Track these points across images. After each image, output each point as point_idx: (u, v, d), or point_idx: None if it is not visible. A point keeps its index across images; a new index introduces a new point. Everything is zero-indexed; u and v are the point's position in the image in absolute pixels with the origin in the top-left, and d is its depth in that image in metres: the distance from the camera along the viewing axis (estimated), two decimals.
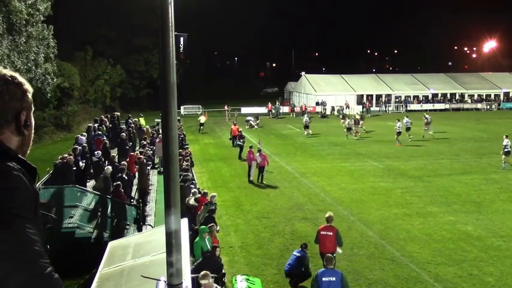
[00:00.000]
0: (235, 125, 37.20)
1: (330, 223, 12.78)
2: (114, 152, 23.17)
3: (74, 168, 17.49)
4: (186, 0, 42.71)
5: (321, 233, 12.67)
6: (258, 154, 24.21)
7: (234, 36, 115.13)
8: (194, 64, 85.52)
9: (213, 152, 33.78)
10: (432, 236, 16.06)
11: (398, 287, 12.48)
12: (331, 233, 12.53)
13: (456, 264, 13.68)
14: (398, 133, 34.33)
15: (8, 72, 1.95)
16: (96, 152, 20.71)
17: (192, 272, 9.94)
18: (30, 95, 1.99)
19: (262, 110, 56.81)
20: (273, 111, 54.92)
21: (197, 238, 12.51)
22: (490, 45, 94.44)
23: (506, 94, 65.60)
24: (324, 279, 9.98)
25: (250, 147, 25.73)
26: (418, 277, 12.95)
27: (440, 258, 14.16)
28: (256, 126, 45.04)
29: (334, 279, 9.96)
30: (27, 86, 1.98)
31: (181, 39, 68.71)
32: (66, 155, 17.46)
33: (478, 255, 14.39)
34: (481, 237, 15.83)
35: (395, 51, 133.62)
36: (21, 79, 1.97)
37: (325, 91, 61.42)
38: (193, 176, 21.49)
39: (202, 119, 45.27)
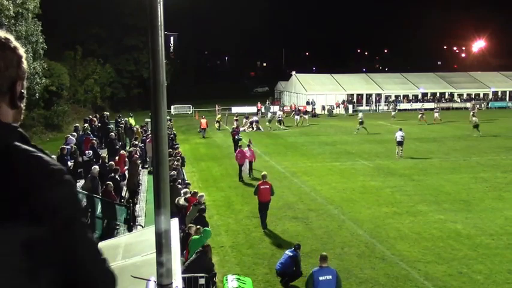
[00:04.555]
0: (203, 118, 42.22)
1: (266, 179, 17.37)
2: (104, 152, 23.08)
3: None
4: (176, 0, 42.58)
5: (261, 187, 17.07)
6: (247, 148, 25.37)
7: (224, 35, 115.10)
8: (185, 63, 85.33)
9: (203, 151, 33.73)
10: (422, 234, 16.15)
11: (388, 285, 12.53)
12: (268, 186, 17.05)
13: (446, 263, 13.76)
14: (399, 143, 29.13)
15: (1, 33, 1.67)
16: (87, 152, 20.63)
17: (184, 271, 9.92)
18: (25, 62, 1.74)
19: (253, 109, 56.77)
20: (263, 110, 54.86)
21: (197, 236, 12.45)
22: (478, 45, 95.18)
23: (495, 93, 66.07)
24: (321, 278, 10.19)
25: (240, 146, 25.99)
26: (408, 275, 13.02)
27: (430, 256, 14.25)
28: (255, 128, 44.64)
29: (330, 277, 10.24)
30: (22, 51, 1.71)
31: (172, 38, 68.49)
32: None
33: (467, 253, 14.49)
34: (470, 236, 15.94)
35: (385, 51, 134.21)
36: (15, 42, 1.68)
37: (315, 90, 61.49)
38: (184, 175, 21.46)
39: (218, 117, 47.52)
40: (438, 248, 14.92)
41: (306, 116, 48.80)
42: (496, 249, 14.81)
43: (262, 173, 18.24)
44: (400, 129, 29.86)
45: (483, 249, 14.79)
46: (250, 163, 25.06)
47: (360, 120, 39.88)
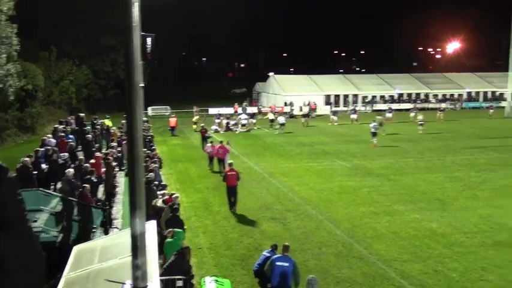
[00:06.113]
0: (172, 117, 44.59)
1: (232, 167, 19.56)
2: (81, 155, 22.78)
3: (35, 172, 17.08)
4: (154, 1, 42.27)
5: (228, 173, 19.19)
6: (210, 145, 27.67)
7: (202, 37, 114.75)
8: (162, 65, 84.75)
9: (181, 153, 33.58)
10: (398, 233, 16.33)
11: (365, 284, 12.64)
12: (234, 173, 19.10)
13: (422, 261, 13.94)
14: (373, 134, 34.02)
15: None
16: (62, 154, 20.33)
17: (162, 274, 9.84)
18: None
19: (230, 110, 56.69)
20: (240, 111, 54.69)
21: (170, 239, 12.40)
22: (453, 46, 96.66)
23: (469, 94, 67.26)
24: (277, 263, 10.79)
25: (221, 142, 26.69)
26: (385, 274, 13.15)
27: (406, 255, 14.42)
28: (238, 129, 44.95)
29: (287, 264, 10.80)
30: None
31: (149, 39, 67.88)
32: (24, 158, 17.04)
33: (442, 251, 14.70)
34: (446, 234, 16.18)
35: (362, 52, 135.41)
36: None
37: (293, 91, 61.75)
38: (161, 177, 21.32)
39: (196, 118, 47.00)
40: (414, 246, 15.11)
41: (303, 119, 48.67)
42: (471, 247, 15.06)
43: (229, 161, 21.05)
44: (374, 121, 35.05)
45: (458, 247, 15.03)
46: (215, 159, 26.58)
47: (282, 122, 42.66)
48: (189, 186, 23.65)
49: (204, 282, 11.69)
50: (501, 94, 65.33)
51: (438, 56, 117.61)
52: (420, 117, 41.78)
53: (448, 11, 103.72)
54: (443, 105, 58.76)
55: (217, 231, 17.02)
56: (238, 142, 36.02)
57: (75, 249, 9.23)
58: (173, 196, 15.37)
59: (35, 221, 13.99)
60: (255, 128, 45.56)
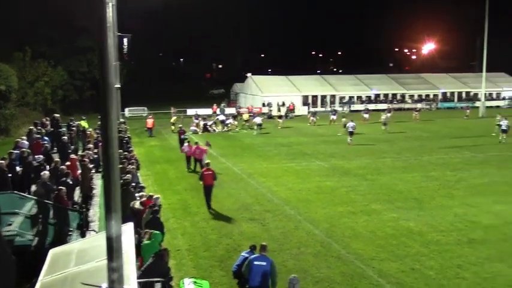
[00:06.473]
0: (150, 118, 45.47)
1: (209, 166, 19.89)
2: (56, 157, 22.41)
3: (10, 174, 16.76)
4: (129, 1, 41.90)
5: (205, 173, 19.60)
6: (187, 144, 27.40)
7: (179, 37, 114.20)
8: (139, 65, 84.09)
9: (158, 154, 33.34)
10: (376, 232, 16.48)
11: (344, 283, 12.72)
12: (211, 172, 19.54)
13: (399, 260, 14.09)
14: (350, 133, 35.13)
15: None
16: (36, 157, 19.96)
17: (140, 276, 9.74)
18: None
19: (209, 111, 56.51)
20: (218, 112, 54.55)
21: (148, 241, 12.30)
22: (428, 47, 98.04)
23: (444, 94, 68.27)
24: (255, 263, 10.90)
25: (196, 143, 27.42)
26: (363, 273, 13.26)
27: (384, 254, 14.56)
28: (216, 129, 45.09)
29: (265, 263, 10.91)
30: None
31: (125, 40, 67.42)
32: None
33: (419, 250, 14.89)
34: (422, 233, 16.39)
35: (339, 53, 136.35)
36: None
37: (271, 92, 61.84)
38: (138, 179, 21.13)
39: (173, 119, 47.12)
40: (392, 245, 15.27)
41: (280, 120, 48.56)
42: (447, 245, 15.28)
43: (206, 161, 21.08)
44: (352, 121, 36.09)
45: (434, 245, 15.24)
46: (192, 158, 26.78)
47: (259, 123, 43.01)
48: (167, 187, 23.49)
49: (183, 284, 11.62)
50: (475, 94, 66.56)
51: (414, 57, 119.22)
52: (383, 116, 42.54)
53: (423, 12, 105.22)
54: (419, 105, 59.39)
55: (196, 232, 16.95)
56: (216, 143, 35.89)
57: (51, 252, 9.07)
58: (154, 197, 15.24)
59: (10, 225, 13.73)
60: (237, 129, 45.50)
